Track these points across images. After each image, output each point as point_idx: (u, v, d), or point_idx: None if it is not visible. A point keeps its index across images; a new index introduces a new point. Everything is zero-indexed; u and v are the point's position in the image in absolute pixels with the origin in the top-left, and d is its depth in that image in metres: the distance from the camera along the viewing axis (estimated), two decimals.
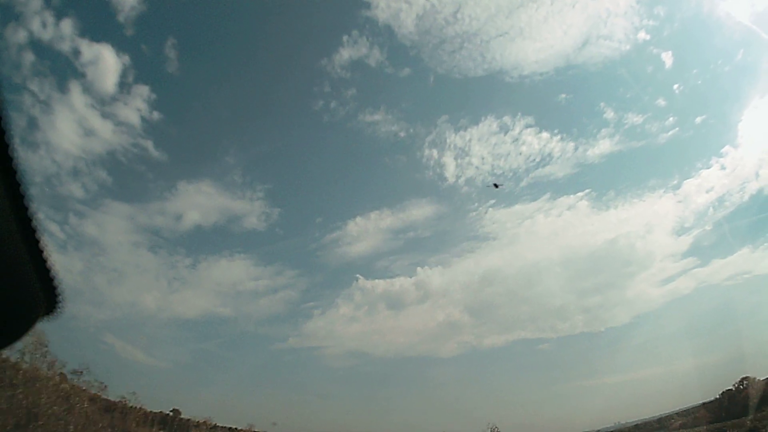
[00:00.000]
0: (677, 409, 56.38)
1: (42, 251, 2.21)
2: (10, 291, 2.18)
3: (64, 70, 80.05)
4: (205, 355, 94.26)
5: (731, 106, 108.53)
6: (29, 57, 70.08)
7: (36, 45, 71.19)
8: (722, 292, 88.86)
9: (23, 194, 2.04)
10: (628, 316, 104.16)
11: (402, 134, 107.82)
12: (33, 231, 2.14)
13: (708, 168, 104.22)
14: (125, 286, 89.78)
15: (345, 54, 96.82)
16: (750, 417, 36.36)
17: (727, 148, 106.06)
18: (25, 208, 2.08)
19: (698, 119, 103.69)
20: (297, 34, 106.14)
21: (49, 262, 2.27)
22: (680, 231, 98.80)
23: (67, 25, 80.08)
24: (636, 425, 55.89)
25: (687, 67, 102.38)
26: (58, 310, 2.42)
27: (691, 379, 70.54)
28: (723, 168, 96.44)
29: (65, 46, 75.82)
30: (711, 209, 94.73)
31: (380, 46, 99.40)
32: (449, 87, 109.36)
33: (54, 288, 2.35)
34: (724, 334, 69.56)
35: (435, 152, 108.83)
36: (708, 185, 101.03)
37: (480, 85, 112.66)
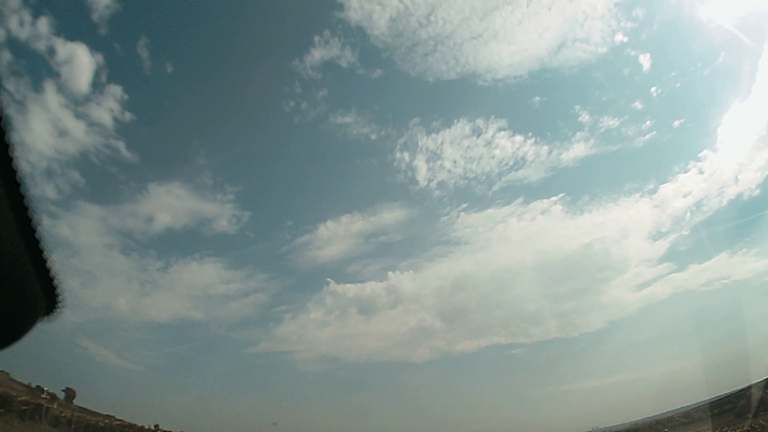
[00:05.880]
0: (654, 414, 56.76)
1: (42, 251, 2.26)
2: (10, 291, 2.23)
3: (39, 69, 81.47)
4: (178, 359, 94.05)
5: (710, 110, 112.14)
6: (6, 56, 69.41)
7: (13, 44, 70.18)
8: (699, 298, 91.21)
9: (23, 194, 2.09)
10: (603, 322, 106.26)
11: (373, 137, 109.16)
12: (33, 231, 2.19)
13: (686, 172, 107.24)
14: (98, 289, 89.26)
15: (316, 55, 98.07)
16: None
17: (705, 152, 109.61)
18: (25, 209, 2.13)
19: (676, 123, 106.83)
20: (269, 34, 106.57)
21: (49, 262, 2.31)
22: (656, 236, 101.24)
23: (43, 24, 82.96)
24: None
25: (665, 70, 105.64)
26: (58, 310, 2.46)
27: (668, 385, 71.61)
28: (701, 172, 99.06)
29: (41, 45, 77.43)
30: (688, 214, 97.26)
31: (352, 47, 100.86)
32: (422, 89, 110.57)
33: (54, 288, 2.40)
34: (701, 341, 70.76)
35: (407, 155, 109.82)
36: (685, 189, 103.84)
37: (453, 88, 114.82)
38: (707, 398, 45.14)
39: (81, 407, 45.99)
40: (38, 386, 45.53)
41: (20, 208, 2.11)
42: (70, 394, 46.76)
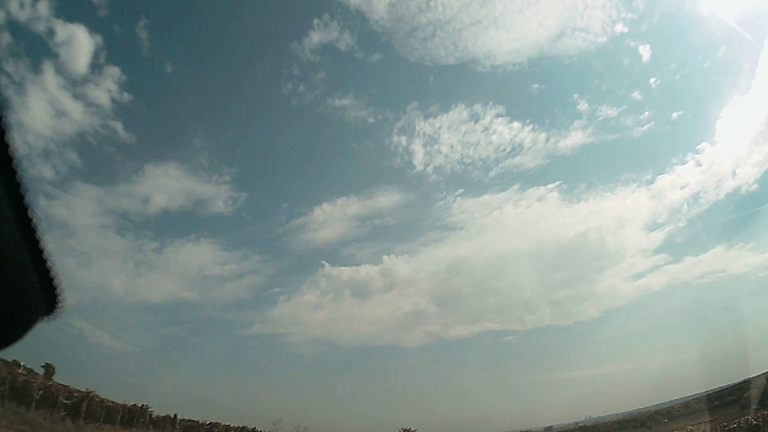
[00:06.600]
0: (648, 405, 57.04)
1: (42, 251, 2.26)
2: (10, 291, 2.24)
3: (38, 50, 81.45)
4: (172, 340, 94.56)
5: (710, 103, 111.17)
6: (6, 38, 71.38)
7: (13, 26, 71.12)
8: (694, 290, 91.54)
9: (23, 194, 2.09)
10: (598, 311, 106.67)
11: (371, 120, 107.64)
12: (33, 231, 2.19)
13: (683, 164, 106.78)
14: (93, 270, 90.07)
15: (315, 37, 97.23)
16: None
17: (704, 144, 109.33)
18: (25, 208, 2.12)
19: (675, 114, 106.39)
20: (268, 16, 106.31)
21: (49, 262, 2.30)
22: (652, 226, 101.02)
23: (43, 6, 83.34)
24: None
25: (665, 62, 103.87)
26: (58, 310, 2.46)
27: (663, 376, 72.24)
28: (699, 165, 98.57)
29: (41, 27, 78.50)
30: (685, 206, 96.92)
31: (351, 30, 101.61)
32: (420, 74, 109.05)
33: (54, 288, 2.39)
34: (697, 333, 71.17)
35: (404, 139, 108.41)
36: (683, 181, 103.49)
37: (451, 74, 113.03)
38: (705, 390, 45.03)
39: (62, 384, 44.19)
40: (14, 360, 43.52)
41: (20, 207, 2.11)
42: (49, 370, 44.78)
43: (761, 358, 37.76)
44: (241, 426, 49.46)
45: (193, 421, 46.07)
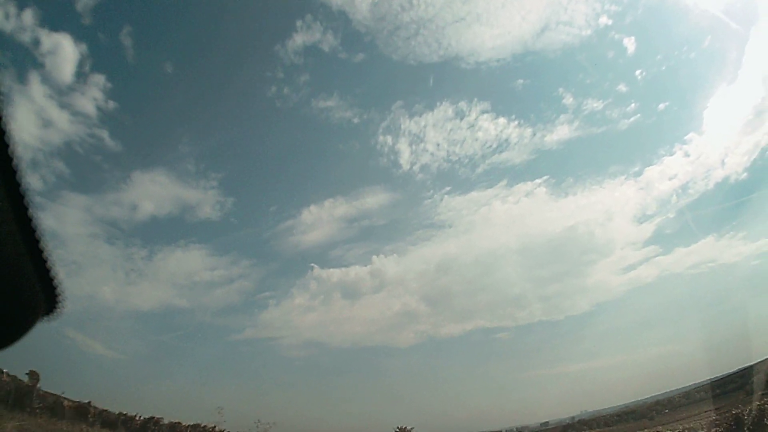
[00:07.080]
0: (645, 397, 57.01)
1: (42, 251, 2.29)
2: (10, 291, 2.26)
3: (24, 61, 78.30)
4: (163, 347, 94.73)
5: (696, 93, 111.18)
6: None
7: None
8: (686, 281, 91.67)
9: (23, 194, 2.10)
10: (588, 305, 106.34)
11: (356, 120, 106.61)
12: (33, 231, 2.21)
13: (671, 155, 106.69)
14: (84, 279, 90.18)
15: (298, 39, 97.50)
16: None
17: (691, 135, 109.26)
18: (25, 208, 2.14)
19: (661, 106, 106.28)
20: (251, 19, 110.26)
21: (49, 262, 2.33)
22: (642, 218, 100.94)
23: (28, 15, 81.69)
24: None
25: (650, 53, 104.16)
26: (58, 310, 2.47)
27: (659, 367, 72.43)
28: (687, 155, 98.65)
29: (26, 37, 76.00)
30: (674, 197, 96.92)
31: (334, 31, 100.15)
32: (404, 73, 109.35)
33: (54, 288, 2.42)
34: (691, 324, 71.41)
35: (389, 139, 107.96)
36: (671, 172, 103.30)
37: (435, 71, 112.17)
38: (705, 379, 44.93)
39: (53, 393, 42.58)
40: None
41: (20, 207, 2.11)
42: (33, 377, 43.34)
43: (760, 346, 37.62)
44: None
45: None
